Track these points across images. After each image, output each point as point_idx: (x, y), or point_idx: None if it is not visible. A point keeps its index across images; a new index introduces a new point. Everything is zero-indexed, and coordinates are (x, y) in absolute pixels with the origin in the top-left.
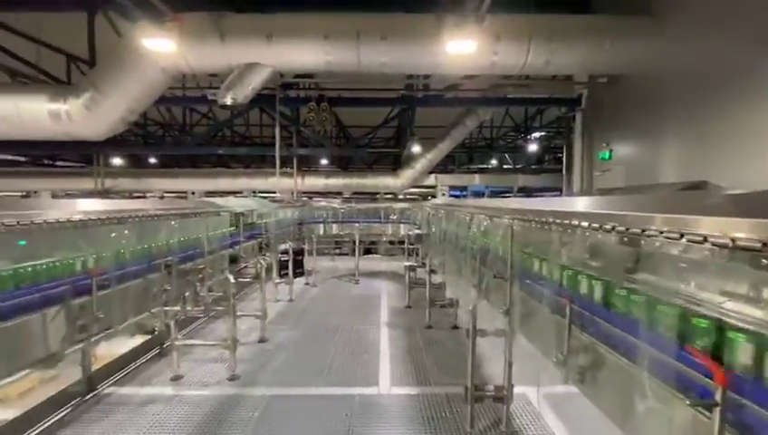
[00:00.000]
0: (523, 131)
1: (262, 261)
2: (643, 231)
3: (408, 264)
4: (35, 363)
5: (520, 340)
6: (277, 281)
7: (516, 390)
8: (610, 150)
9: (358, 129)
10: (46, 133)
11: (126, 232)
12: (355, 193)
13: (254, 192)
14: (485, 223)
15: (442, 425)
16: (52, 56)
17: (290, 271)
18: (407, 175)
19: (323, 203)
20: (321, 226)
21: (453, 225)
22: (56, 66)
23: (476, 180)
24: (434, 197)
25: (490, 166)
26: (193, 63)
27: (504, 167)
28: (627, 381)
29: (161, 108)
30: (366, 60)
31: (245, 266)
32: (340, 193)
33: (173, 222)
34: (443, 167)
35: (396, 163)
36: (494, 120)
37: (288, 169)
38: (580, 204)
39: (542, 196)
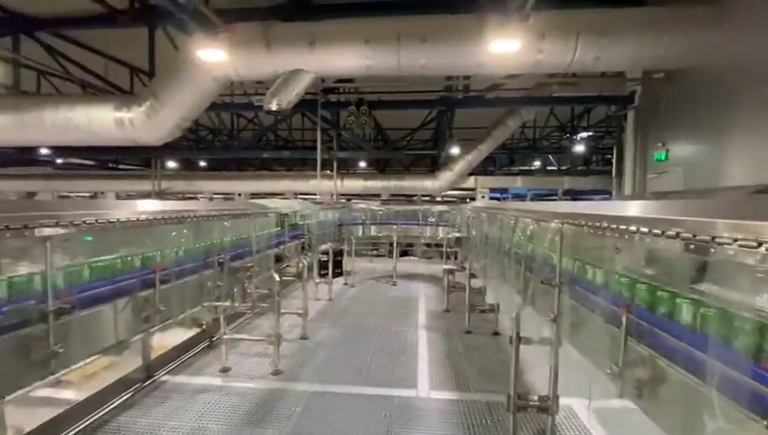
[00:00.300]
0: (568, 131)
1: (304, 261)
2: (713, 238)
3: (446, 267)
4: (107, 349)
5: (565, 349)
6: (317, 280)
7: (562, 401)
8: (667, 151)
9: (396, 131)
10: (112, 139)
11: (185, 231)
12: (393, 195)
13: (296, 194)
14: (532, 227)
15: (482, 433)
16: (117, 68)
17: (330, 271)
18: (445, 177)
19: (362, 205)
20: (360, 227)
21: (496, 228)
22: (121, 77)
23: (518, 182)
24: (473, 199)
25: (532, 168)
26: (241, 72)
27: (548, 169)
28: (692, 399)
29: (211, 114)
30: (406, 63)
31: (287, 266)
32: (377, 195)
33: (226, 222)
34: (482, 169)
35: (433, 165)
36: (537, 120)
37: (328, 172)
38: (635, 208)
39: (589, 199)
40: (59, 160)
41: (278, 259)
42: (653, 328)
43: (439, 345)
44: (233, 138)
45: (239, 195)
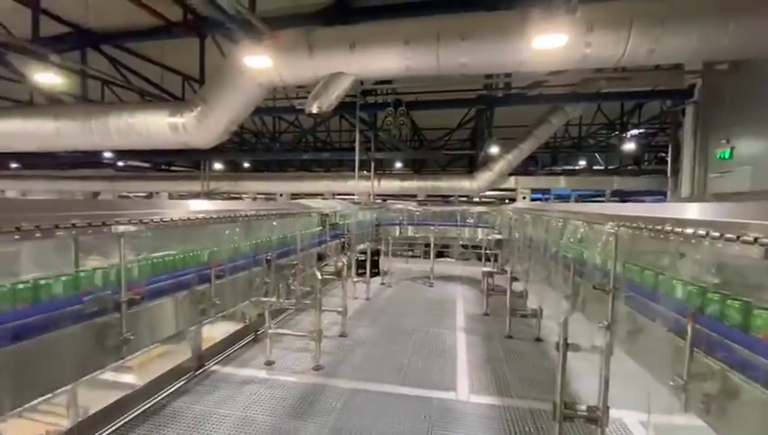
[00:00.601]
0: (618, 129)
1: (343, 260)
2: None
3: (486, 269)
4: (169, 338)
5: (616, 359)
6: (355, 280)
7: (612, 413)
8: (732, 148)
9: (432, 131)
10: (167, 143)
11: (237, 229)
12: (429, 196)
13: (333, 194)
14: (583, 229)
15: None
16: (170, 76)
17: (367, 270)
18: (483, 177)
19: (399, 205)
20: (397, 228)
21: (541, 230)
22: (174, 85)
23: (562, 183)
24: (512, 200)
25: (577, 167)
26: (285, 77)
27: (594, 168)
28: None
29: (255, 118)
30: (445, 62)
31: (326, 264)
32: (414, 196)
33: (273, 222)
34: (523, 169)
35: (471, 165)
36: (582, 118)
37: (365, 172)
38: (698, 210)
39: (641, 201)
40: (119, 163)
41: (320, 257)
42: (724, 339)
43: (479, 349)
44: (274, 140)
45: (280, 195)
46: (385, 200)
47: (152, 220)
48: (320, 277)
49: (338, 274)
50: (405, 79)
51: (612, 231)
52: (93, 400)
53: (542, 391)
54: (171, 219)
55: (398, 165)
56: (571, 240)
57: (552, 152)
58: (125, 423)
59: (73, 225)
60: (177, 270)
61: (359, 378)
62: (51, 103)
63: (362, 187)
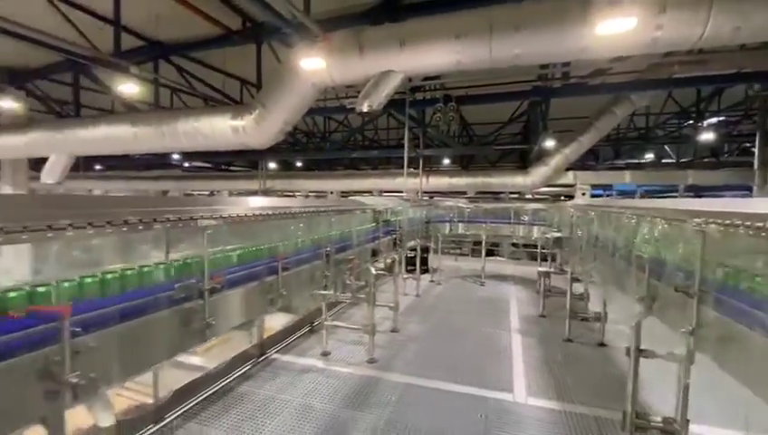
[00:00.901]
0: (693, 117)
1: (395, 256)
2: None
3: (542, 269)
4: (243, 324)
5: (697, 369)
6: (404, 276)
7: (692, 428)
8: None
9: (481, 126)
10: (228, 144)
11: (300, 224)
12: (479, 192)
13: (381, 192)
14: (662, 226)
15: None
16: (229, 82)
17: (417, 267)
18: (538, 172)
19: (449, 202)
20: (447, 225)
21: (610, 228)
22: (233, 89)
23: (626, 178)
24: (569, 197)
25: (643, 161)
26: (336, 77)
27: (663, 161)
28: None
29: (306, 119)
30: (498, 54)
31: (378, 260)
32: (462, 192)
33: (332, 218)
34: (580, 163)
35: (522, 161)
36: (650, 107)
37: (413, 170)
38: None
39: (721, 196)
40: (185, 164)
41: (374, 253)
42: None
43: (536, 351)
44: (325, 139)
45: (331, 193)
46: (432, 197)
47: (230, 216)
48: (374, 273)
49: (389, 269)
50: (454, 74)
51: (699, 229)
52: (166, 379)
53: (607, 398)
54: (246, 215)
55: (446, 161)
56: (647, 239)
57: (615, 145)
58: (198, 403)
59: (167, 219)
60: (249, 262)
61: (412, 373)
62: (129, 111)
63: (411, 184)
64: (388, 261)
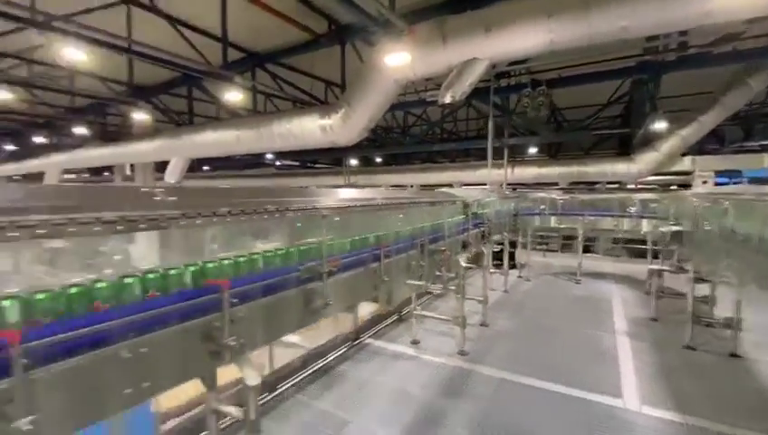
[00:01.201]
0: None
1: (484, 249)
2: None
3: (654, 267)
4: (348, 307)
5: None
6: (491, 271)
7: None
8: None
9: (574, 111)
10: (317, 143)
11: (400, 215)
12: (572, 183)
13: (462, 184)
14: None
15: None
16: (316, 84)
17: (505, 262)
18: (647, 159)
19: (541, 194)
20: (537, 218)
21: (757, 220)
22: (318, 91)
23: (765, 162)
24: (683, 186)
25: None
26: (418, 70)
27: None
28: None
29: (386, 115)
30: (599, 29)
31: (466, 253)
32: (551, 183)
33: (425, 209)
34: (698, 147)
35: (622, 146)
36: None
37: (497, 161)
38: None
39: None
40: (277, 163)
41: (464, 246)
42: None
43: (648, 356)
44: (404, 134)
45: (411, 186)
46: (514, 189)
47: (344, 206)
48: (464, 265)
49: (475, 261)
50: (544, 55)
51: None
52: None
53: (744, 416)
54: (356, 205)
55: (532, 151)
56: None
57: (744, 124)
58: (303, 378)
59: (293, 209)
60: (358, 250)
61: (506, 368)
62: (232, 117)
63: (495, 175)
64: (479, 253)
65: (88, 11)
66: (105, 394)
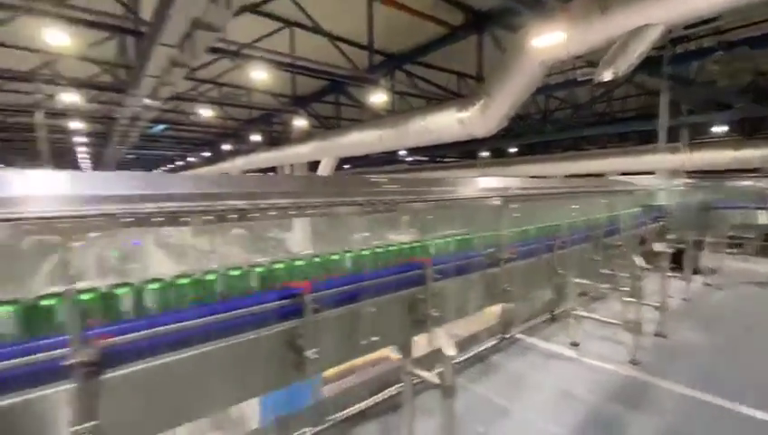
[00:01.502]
0: None
1: (665, 248)
2: None
3: None
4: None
5: None
6: (668, 274)
7: None
8: None
9: None
10: (452, 136)
11: (575, 206)
12: None
13: (619, 173)
14: None
15: None
16: (450, 77)
17: (685, 265)
18: None
19: (748, 183)
20: (738, 212)
21: None
22: (451, 85)
23: None
24: None
25: None
26: (572, 48)
27: None
28: None
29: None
30: None
31: (643, 250)
32: (749, 170)
33: (603, 199)
34: None
35: None
36: None
37: (671, 144)
38: None
39: None
40: (408, 159)
41: (641, 242)
42: None
43: None
44: (545, 120)
45: (554, 177)
46: (696, 177)
47: (513, 195)
48: (641, 264)
49: (652, 262)
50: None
51: None
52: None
53: None
54: (528, 193)
55: (716, 130)
56: None
57: None
58: (459, 362)
59: (464, 197)
60: (532, 239)
61: (691, 385)
62: (372, 118)
63: (669, 161)
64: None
65: (261, 38)
66: (355, 337)
